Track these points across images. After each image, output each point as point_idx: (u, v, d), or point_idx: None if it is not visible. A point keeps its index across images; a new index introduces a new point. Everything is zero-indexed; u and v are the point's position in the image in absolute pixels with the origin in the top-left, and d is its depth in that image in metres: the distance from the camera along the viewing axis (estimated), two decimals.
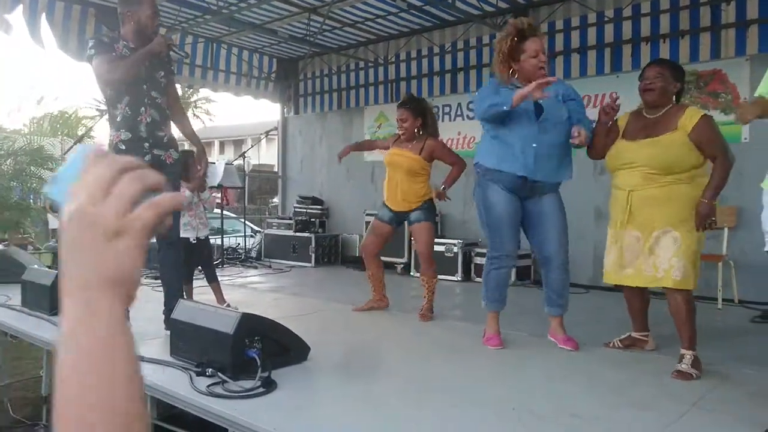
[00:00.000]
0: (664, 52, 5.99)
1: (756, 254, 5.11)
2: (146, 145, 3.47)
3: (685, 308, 3.00)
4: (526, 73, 3.26)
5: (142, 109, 3.46)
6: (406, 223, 4.61)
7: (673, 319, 3.06)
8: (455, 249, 6.63)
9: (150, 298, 3.88)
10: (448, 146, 4.96)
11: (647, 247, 3.11)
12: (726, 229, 5.07)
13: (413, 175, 4.31)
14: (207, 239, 4.57)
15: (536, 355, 3.36)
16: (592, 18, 6.53)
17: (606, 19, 6.39)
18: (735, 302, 5.01)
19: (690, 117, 3.06)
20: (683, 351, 2.96)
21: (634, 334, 3.50)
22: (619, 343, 3.50)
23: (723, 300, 4.90)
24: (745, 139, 5.31)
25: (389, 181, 4.43)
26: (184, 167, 4.45)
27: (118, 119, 3.44)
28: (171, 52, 3.64)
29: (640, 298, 3.43)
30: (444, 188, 4.41)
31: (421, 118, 4.32)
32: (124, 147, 3.42)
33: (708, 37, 5.85)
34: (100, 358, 0.51)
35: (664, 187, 3.06)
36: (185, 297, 4.35)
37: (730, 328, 4.04)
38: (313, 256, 7.97)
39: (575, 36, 6.69)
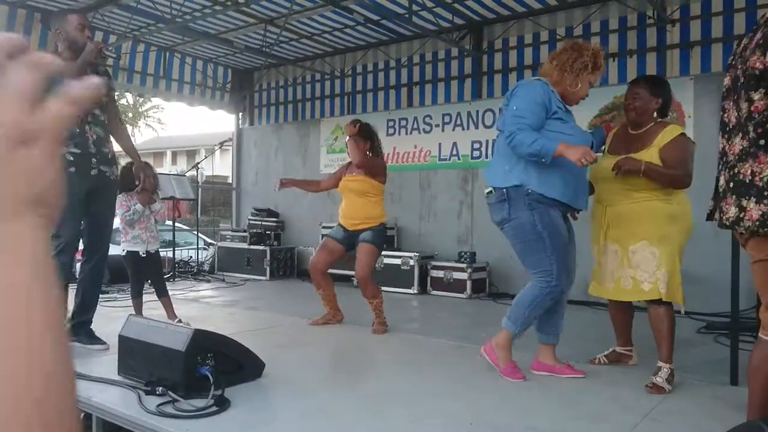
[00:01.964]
0: (612, 70, 6.18)
1: (702, 266, 5.31)
2: (94, 161, 3.50)
3: (667, 322, 3.02)
4: (571, 95, 3.13)
5: (87, 126, 3.47)
6: None
7: (653, 332, 3.07)
8: (411, 262, 6.64)
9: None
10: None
11: (625, 261, 3.13)
12: None
13: (363, 196, 4.43)
14: (157, 253, 4.45)
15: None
16: (544, 36, 6.69)
17: (558, 37, 6.56)
18: (681, 313, 5.14)
19: (665, 134, 3.11)
20: (661, 364, 2.97)
21: (618, 349, 3.49)
22: (604, 358, 3.47)
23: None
24: None
25: (344, 204, 4.55)
26: (133, 180, 4.33)
27: (66, 135, 3.38)
28: (105, 58, 3.53)
29: (623, 313, 3.42)
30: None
31: (369, 142, 4.47)
32: (72, 159, 3.39)
33: (654, 57, 6.07)
34: (14, 308, 0.38)
35: (640, 203, 3.09)
36: (134, 312, 4.23)
37: (677, 338, 4.12)
38: (268, 269, 7.85)
39: (528, 53, 6.84)
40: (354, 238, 4.44)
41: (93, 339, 3.58)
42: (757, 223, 1.81)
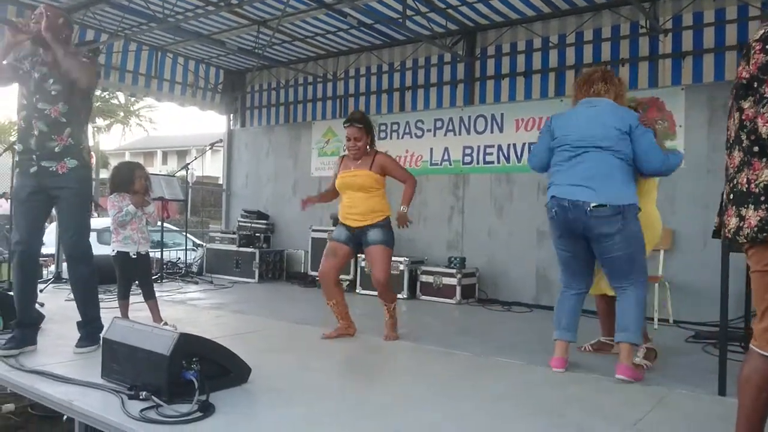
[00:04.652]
0: None
1: (690, 275, 5.34)
2: (34, 157, 3.44)
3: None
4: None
5: (33, 122, 3.42)
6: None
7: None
8: (401, 267, 6.62)
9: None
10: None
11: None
12: (662, 252, 5.24)
13: (367, 191, 4.19)
14: (147, 254, 4.40)
15: (478, 376, 3.36)
16: (537, 43, 6.70)
17: (551, 44, 6.57)
18: (670, 322, 5.18)
19: None
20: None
21: (602, 339, 3.99)
22: (590, 347, 4.00)
23: (659, 320, 5.05)
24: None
25: (344, 202, 4.28)
26: (127, 179, 4.30)
27: (15, 131, 3.42)
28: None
29: (603, 304, 3.92)
30: (404, 209, 4.21)
31: (370, 135, 4.27)
32: (18, 158, 3.54)
33: (646, 66, 6.09)
34: None
35: None
36: (120, 314, 4.19)
37: (665, 347, 4.15)
38: (257, 271, 7.81)
39: (521, 60, 6.85)
40: (360, 238, 4.19)
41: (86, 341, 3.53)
42: (756, 229, 1.80)
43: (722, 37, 5.66)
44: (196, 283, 7.51)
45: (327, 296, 4.29)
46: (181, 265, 8.42)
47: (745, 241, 1.86)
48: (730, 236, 1.92)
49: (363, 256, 4.73)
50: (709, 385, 3.11)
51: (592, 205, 3.22)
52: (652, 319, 4.97)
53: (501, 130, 6.72)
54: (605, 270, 3.43)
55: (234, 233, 8.34)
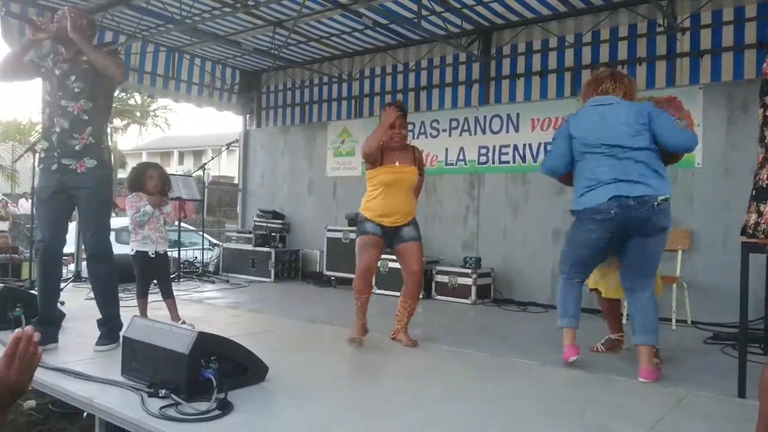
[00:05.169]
0: None
1: (709, 276, 5.28)
2: (55, 154, 3.50)
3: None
4: None
5: (55, 119, 3.49)
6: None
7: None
8: None
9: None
10: None
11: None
12: (680, 252, 5.20)
13: (411, 189, 4.10)
14: (165, 254, 4.45)
15: (495, 376, 3.35)
16: (553, 42, 6.67)
17: (567, 44, 6.54)
18: (688, 323, 5.13)
19: None
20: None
21: (612, 336, 4.01)
22: (601, 346, 4.00)
23: (676, 321, 5.00)
24: (698, 164, 5.48)
25: (388, 198, 3.99)
26: (139, 179, 4.34)
27: (40, 129, 3.49)
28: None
29: (606, 303, 3.98)
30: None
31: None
32: (42, 156, 3.59)
33: (664, 65, 6.04)
34: None
35: None
36: (139, 313, 4.24)
37: (683, 349, 4.12)
38: (273, 271, 7.85)
39: (536, 59, 6.83)
40: (393, 235, 4.04)
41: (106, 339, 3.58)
42: None
43: (741, 35, 5.60)
44: (213, 282, 7.57)
45: (362, 291, 4.04)
46: (198, 265, 8.50)
47: (763, 236, 1.85)
48: (750, 232, 1.91)
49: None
50: (728, 387, 3.08)
51: (660, 198, 3.20)
52: (670, 320, 4.93)
53: (516, 129, 6.70)
54: (637, 264, 3.36)
55: (250, 233, 8.40)
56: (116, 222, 7.11)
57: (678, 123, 5.54)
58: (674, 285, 4.94)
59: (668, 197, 3.24)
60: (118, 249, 4.04)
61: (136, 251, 4.30)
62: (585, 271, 3.59)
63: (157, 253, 4.32)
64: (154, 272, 4.38)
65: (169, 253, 4.73)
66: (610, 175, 3.27)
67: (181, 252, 7.83)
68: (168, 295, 4.39)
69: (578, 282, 3.56)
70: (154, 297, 4.48)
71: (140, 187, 4.32)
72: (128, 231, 4.41)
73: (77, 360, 3.25)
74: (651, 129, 3.27)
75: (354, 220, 6.57)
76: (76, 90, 3.49)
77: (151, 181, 4.32)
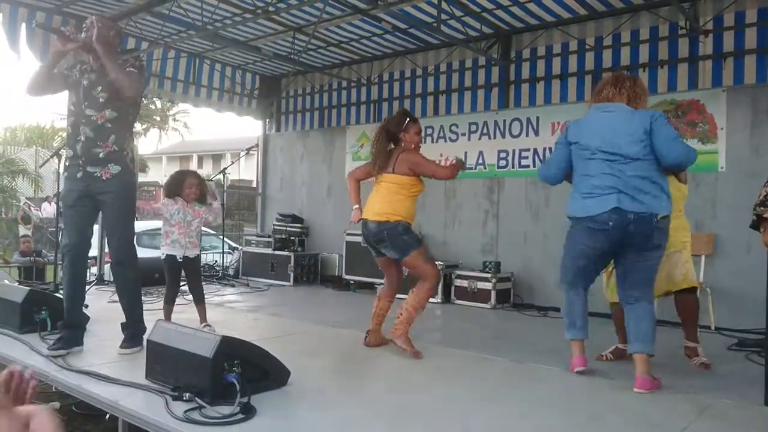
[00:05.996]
0: (643, 81, 6.09)
1: (733, 281, 5.20)
2: (80, 162, 3.56)
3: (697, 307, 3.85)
4: None
5: (80, 128, 3.54)
6: None
7: (683, 316, 3.86)
8: None
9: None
10: None
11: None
12: (703, 257, 5.13)
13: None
14: (196, 258, 4.46)
15: (517, 382, 3.34)
16: (573, 45, 6.64)
17: (587, 47, 6.50)
18: (712, 329, 5.06)
19: None
20: (696, 345, 3.81)
21: (620, 346, 3.91)
22: (610, 354, 3.95)
23: (700, 327, 4.91)
24: (722, 168, 5.41)
25: (413, 206, 4.26)
26: (176, 185, 4.38)
27: (62, 137, 3.54)
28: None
29: (619, 312, 3.73)
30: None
31: None
32: (68, 164, 3.65)
33: (686, 67, 5.98)
34: None
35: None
36: (163, 317, 4.27)
37: (707, 356, 4.06)
38: (292, 275, 7.89)
39: (557, 62, 6.79)
40: None
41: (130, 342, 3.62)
42: None
43: (765, 37, 5.53)
44: (233, 285, 7.63)
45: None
46: (218, 268, 8.56)
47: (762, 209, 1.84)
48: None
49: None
50: (754, 395, 3.03)
51: (660, 216, 3.16)
52: None
53: (536, 133, 6.67)
54: (631, 277, 3.30)
55: (269, 237, 8.44)
56: (137, 226, 7.20)
57: (700, 128, 5.49)
58: (697, 290, 4.87)
59: (668, 215, 3.19)
60: (139, 253, 4.08)
61: (166, 255, 4.35)
62: (587, 280, 3.51)
63: (185, 257, 4.35)
64: (186, 276, 4.43)
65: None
66: (610, 185, 3.19)
67: (201, 256, 7.89)
68: (199, 301, 4.44)
69: (582, 292, 3.50)
70: (180, 300, 4.52)
71: (178, 194, 4.37)
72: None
73: (102, 363, 3.29)
74: (651, 141, 3.18)
75: None
76: (101, 100, 3.54)
77: (191, 189, 4.37)
